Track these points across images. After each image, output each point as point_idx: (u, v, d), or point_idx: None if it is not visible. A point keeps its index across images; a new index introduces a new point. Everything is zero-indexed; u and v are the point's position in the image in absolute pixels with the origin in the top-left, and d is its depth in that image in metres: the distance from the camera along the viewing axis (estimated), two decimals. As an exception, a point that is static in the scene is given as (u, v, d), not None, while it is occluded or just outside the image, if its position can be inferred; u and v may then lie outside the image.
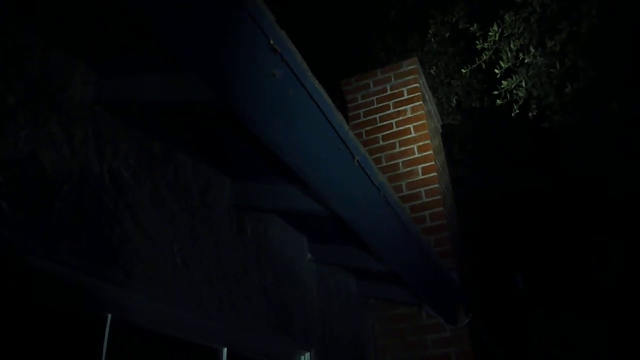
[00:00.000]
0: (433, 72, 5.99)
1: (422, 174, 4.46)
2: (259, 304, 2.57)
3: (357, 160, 1.98)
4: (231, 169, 2.59)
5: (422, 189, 4.38)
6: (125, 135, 1.95)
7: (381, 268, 3.19)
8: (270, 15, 1.51)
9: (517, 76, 3.89)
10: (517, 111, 4.11)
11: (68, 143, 1.69)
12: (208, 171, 2.46)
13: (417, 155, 4.52)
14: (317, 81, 1.75)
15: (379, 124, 4.77)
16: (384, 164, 4.58)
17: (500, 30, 3.87)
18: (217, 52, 1.44)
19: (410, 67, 4.87)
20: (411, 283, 3.19)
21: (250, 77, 1.54)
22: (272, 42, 1.51)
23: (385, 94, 4.86)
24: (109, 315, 1.77)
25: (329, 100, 1.81)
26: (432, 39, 5.47)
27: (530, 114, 4.02)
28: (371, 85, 4.95)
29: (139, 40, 1.69)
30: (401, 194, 4.41)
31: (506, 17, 3.86)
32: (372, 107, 4.87)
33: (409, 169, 4.49)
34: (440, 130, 5.55)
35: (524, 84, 3.84)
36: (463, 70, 4.54)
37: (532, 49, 3.78)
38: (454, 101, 5.68)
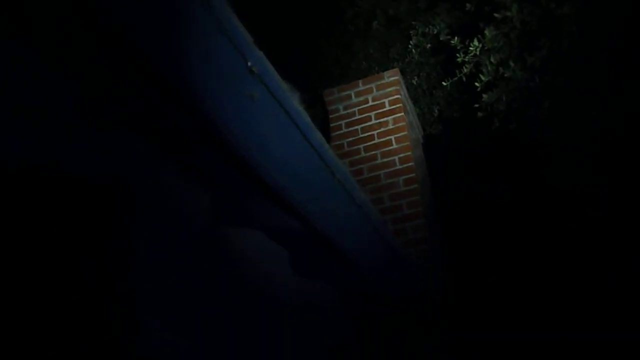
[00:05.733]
0: (415, 83, 6.02)
1: (404, 186, 4.46)
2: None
3: (338, 179, 1.97)
4: (212, 186, 2.56)
5: (404, 201, 4.38)
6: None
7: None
8: (248, 37, 1.49)
9: (497, 90, 3.92)
10: (497, 125, 4.13)
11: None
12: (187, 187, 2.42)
13: (398, 166, 4.53)
14: (296, 101, 1.74)
15: (361, 135, 4.77)
16: (366, 175, 4.58)
17: (480, 45, 3.90)
18: (195, 75, 1.42)
19: (392, 79, 4.88)
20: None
21: (229, 99, 1.52)
22: (250, 64, 1.49)
23: (367, 105, 4.87)
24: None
25: (308, 119, 1.80)
26: (414, 50, 5.49)
27: (510, 127, 4.05)
28: (353, 96, 4.95)
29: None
30: (383, 206, 4.41)
31: (486, 32, 3.89)
32: (353, 118, 4.87)
33: (390, 180, 4.50)
34: (422, 141, 5.57)
35: (504, 98, 3.86)
36: (444, 83, 4.55)
37: (511, 64, 3.81)
38: (436, 111, 5.71)
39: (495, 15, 3.76)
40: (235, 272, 2.66)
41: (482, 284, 5.22)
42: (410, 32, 5.53)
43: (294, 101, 1.72)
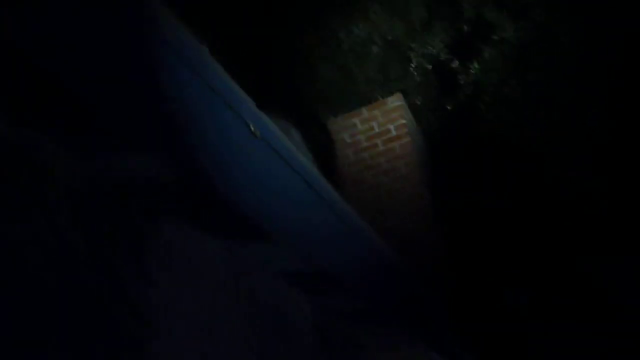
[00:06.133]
0: (418, 102, 6.01)
1: (414, 210, 4.43)
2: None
3: (346, 224, 1.95)
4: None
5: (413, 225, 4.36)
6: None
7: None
8: (249, 101, 1.48)
9: (499, 107, 3.90)
10: (502, 140, 4.11)
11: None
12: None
13: (408, 191, 4.50)
14: (301, 155, 1.72)
15: (369, 163, 4.75)
16: (376, 202, 4.55)
17: (480, 67, 3.89)
18: (198, 140, 1.41)
19: (395, 104, 4.88)
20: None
21: (232, 160, 1.51)
22: (252, 128, 1.48)
23: (373, 132, 4.86)
24: None
25: (317, 173, 1.78)
26: (415, 72, 5.49)
27: (513, 142, 4.03)
28: (358, 124, 4.94)
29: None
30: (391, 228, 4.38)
31: (485, 53, 3.88)
32: (361, 146, 4.86)
33: (399, 206, 4.47)
34: (429, 162, 5.54)
35: (506, 117, 3.84)
36: (448, 108, 4.54)
37: (512, 82, 3.79)
38: (440, 129, 5.69)
39: (494, 37, 3.76)
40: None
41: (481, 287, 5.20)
42: (410, 54, 5.53)
43: (300, 155, 1.70)
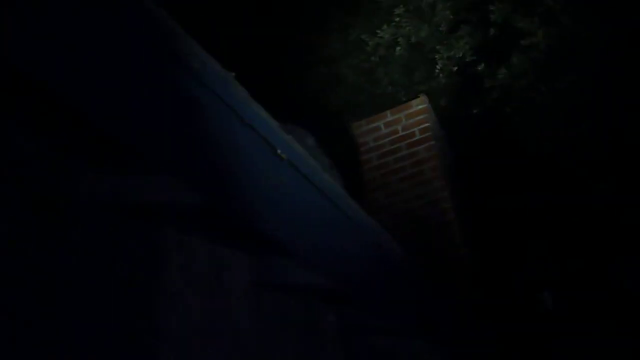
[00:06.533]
0: (443, 105, 5.95)
1: (439, 215, 4.40)
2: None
3: (373, 242, 1.94)
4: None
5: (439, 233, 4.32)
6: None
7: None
8: (273, 123, 1.49)
9: (527, 113, 3.84)
10: (529, 146, 4.04)
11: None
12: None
13: (432, 197, 4.46)
14: (325, 174, 1.72)
15: (393, 167, 4.72)
16: (400, 207, 4.52)
17: (508, 72, 3.83)
18: (226, 167, 1.42)
19: (420, 107, 4.83)
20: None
21: (260, 185, 1.52)
22: (279, 151, 1.48)
23: (397, 136, 4.81)
24: None
25: (342, 191, 1.78)
26: (440, 74, 5.43)
27: (544, 150, 3.96)
28: (382, 127, 4.91)
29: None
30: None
31: (513, 58, 3.82)
32: (384, 150, 4.82)
33: (424, 212, 4.43)
34: (453, 165, 5.48)
35: (534, 123, 3.78)
36: (474, 111, 4.49)
37: (541, 87, 3.73)
38: (466, 133, 5.62)
39: (522, 42, 3.70)
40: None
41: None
42: (435, 56, 5.48)
43: (325, 175, 1.70)
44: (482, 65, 4.24)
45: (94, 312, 1.44)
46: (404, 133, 4.80)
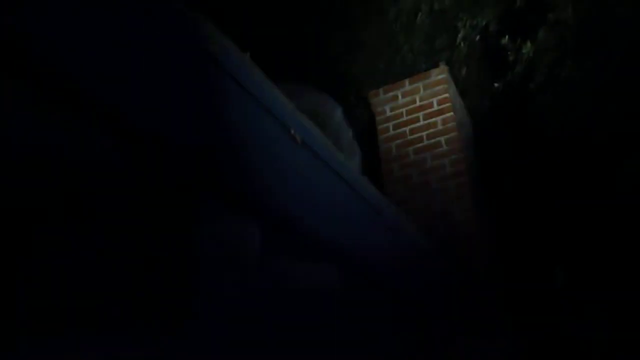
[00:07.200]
0: (463, 74, 5.83)
1: (454, 189, 4.37)
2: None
3: (388, 226, 1.94)
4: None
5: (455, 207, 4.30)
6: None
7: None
8: (289, 105, 1.47)
9: (553, 90, 3.74)
10: (553, 124, 3.96)
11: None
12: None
13: (449, 169, 4.42)
14: (341, 155, 1.71)
15: (409, 137, 4.67)
16: (415, 180, 4.50)
17: (533, 47, 3.71)
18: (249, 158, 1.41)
19: (439, 77, 4.74)
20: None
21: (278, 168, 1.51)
22: (293, 131, 1.47)
23: (414, 105, 4.75)
24: None
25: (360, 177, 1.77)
26: (462, 43, 5.31)
27: (569, 130, 3.87)
28: (400, 96, 4.84)
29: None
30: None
31: (540, 33, 3.70)
32: (401, 120, 4.76)
33: (440, 185, 4.41)
34: (472, 138, 5.41)
35: (560, 100, 3.68)
36: (496, 85, 4.39)
37: (568, 63, 3.62)
38: (487, 106, 5.53)
39: (549, 15, 3.57)
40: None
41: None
42: (458, 24, 5.34)
43: (340, 155, 1.69)
44: (506, 38, 4.11)
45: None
46: (421, 103, 4.73)
